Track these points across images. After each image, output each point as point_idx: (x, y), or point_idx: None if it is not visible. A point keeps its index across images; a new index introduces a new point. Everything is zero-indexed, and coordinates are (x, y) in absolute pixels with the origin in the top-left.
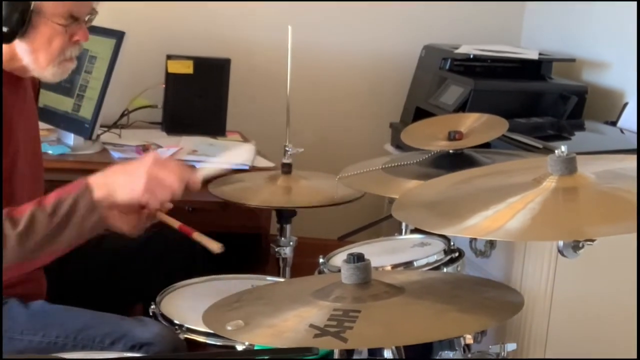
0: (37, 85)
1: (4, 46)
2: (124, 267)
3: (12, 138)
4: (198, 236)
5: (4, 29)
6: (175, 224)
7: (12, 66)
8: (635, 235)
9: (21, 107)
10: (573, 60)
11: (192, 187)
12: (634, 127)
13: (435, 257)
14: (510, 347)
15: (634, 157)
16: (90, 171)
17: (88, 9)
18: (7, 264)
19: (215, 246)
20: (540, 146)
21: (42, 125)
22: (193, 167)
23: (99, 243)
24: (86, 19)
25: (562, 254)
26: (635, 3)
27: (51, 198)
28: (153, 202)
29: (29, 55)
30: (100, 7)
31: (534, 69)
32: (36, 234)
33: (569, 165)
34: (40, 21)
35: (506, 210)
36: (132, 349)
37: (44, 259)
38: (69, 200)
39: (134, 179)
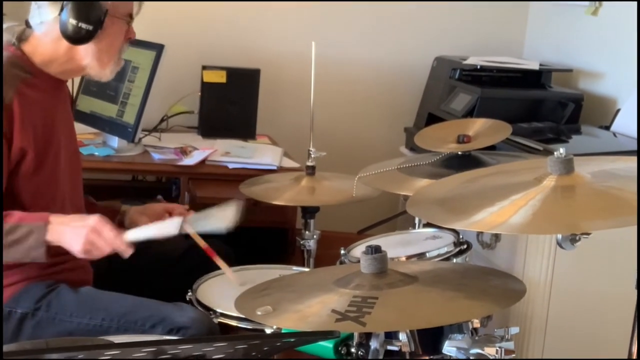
0: (70, 92)
1: (64, 48)
2: (165, 270)
3: (54, 137)
4: (220, 262)
5: (88, 28)
6: (202, 243)
7: (63, 68)
8: (626, 228)
9: (62, 109)
10: (570, 70)
11: (122, 255)
12: (626, 131)
13: (445, 249)
14: (514, 330)
15: (627, 158)
16: (133, 171)
17: (139, 8)
18: None
19: (234, 279)
20: (541, 148)
21: (89, 129)
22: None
23: (148, 247)
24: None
25: (561, 246)
26: (622, 16)
27: (14, 218)
28: (89, 257)
29: (94, 55)
30: (142, 22)
31: (535, 78)
32: None
33: (567, 166)
34: (109, 22)
35: (510, 207)
36: (170, 332)
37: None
38: (25, 229)
39: (77, 237)
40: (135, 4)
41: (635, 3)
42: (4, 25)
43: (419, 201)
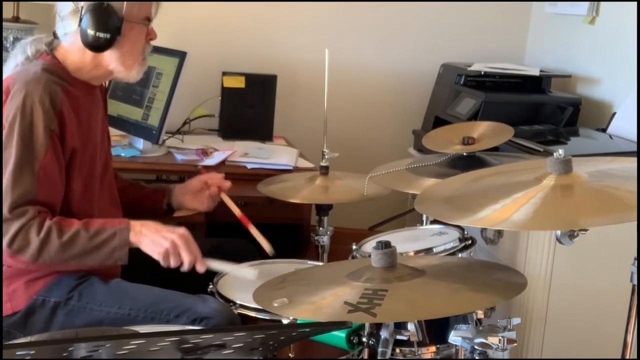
0: (105, 94)
1: (91, 56)
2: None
3: (90, 139)
4: (254, 230)
5: (106, 37)
6: (236, 212)
7: (93, 74)
8: (620, 225)
9: (95, 112)
10: (569, 76)
11: (197, 269)
12: (622, 134)
13: (451, 244)
14: (515, 321)
15: (622, 158)
16: (157, 171)
17: (156, 10)
18: (44, 262)
19: (267, 247)
20: (541, 149)
21: (116, 131)
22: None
23: None
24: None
25: (560, 242)
26: (618, 26)
27: (96, 224)
28: (163, 263)
29: (118, 59)
30: (166, 30)
31: (536, 83)
32: (74, 248)
33: (565, 166)
34: (127, 28)
35: (512, 205)
36: (193, 322)
37: (71, 267)
38: (108, 232)
39: (160, 241)
40: (153, 5)
41: (631, 12)
42: (33, 37)
43: (427, 200)
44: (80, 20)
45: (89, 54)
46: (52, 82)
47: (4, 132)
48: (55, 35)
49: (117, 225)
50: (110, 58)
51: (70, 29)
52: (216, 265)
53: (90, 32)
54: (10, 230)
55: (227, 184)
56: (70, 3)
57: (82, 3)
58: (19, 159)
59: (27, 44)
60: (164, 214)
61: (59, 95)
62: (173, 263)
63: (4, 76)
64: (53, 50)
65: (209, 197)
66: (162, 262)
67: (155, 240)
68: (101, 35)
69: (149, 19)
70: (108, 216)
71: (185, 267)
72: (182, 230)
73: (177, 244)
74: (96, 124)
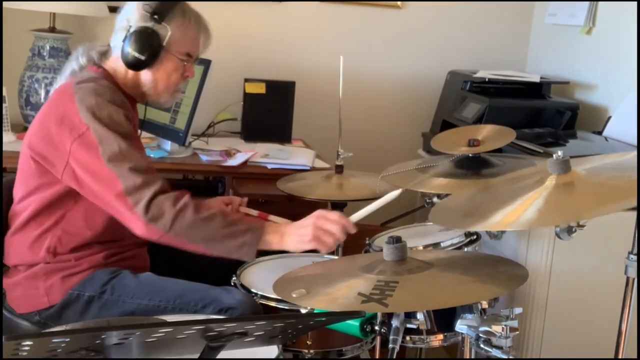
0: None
1: (132, 74)
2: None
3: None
4: (273, 218)
5: (141, 58)
6: (254, 212)
7: (134, 92)
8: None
9: (136, 123)
10: (567, 82)
11: (349, 231)
12: (617, 136)
13: (458, 239)
14: (517, 310)
15: (614, 155)
16: (184, 171)
17: (200, 51)
18: (176, 235)
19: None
20: (541, 151)
21: (145, 134)
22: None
23: None
24: (195, 60)
25: (559, 237)
26: (613, 36)
27: (234, 215)
28: (322, 248)
29: (151, 83)
30: None
31: (537, 89)
32: (206, 229)
33: (564, 166)
34: (166, 57)
35: (520, 207)
36: (219, 312)
37: (194, 248)
38: (244, 226)
39: (303, 231)
40: (198, 44)
41: (625, 23)
42: (86, 45)
43: (441, 211)
44: (126, 37)
45: (130, 70)
46: (111, 90)
47: (91, 131)
48: (109, 45)
49: (253, 223)
50: (144, 79)
51: (118, 42)
52: (362, 213)
53: (129, 49)
54: (143, 198)
55: (244, 200)
56: (124, 19)
57: (132, 22)
58: (114, 142)
59: (81, 52)
60: None
61: (120, 96)
62: (330, 241)
63: (60, 83)
64: (104, 59)
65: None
66: (322, 249)
67: (299, 233)
68: (137, 55)
69: (189, 55)
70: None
71: (340, 237)
72: (316, 212)
73: (319, 225)
74: (136, 131)
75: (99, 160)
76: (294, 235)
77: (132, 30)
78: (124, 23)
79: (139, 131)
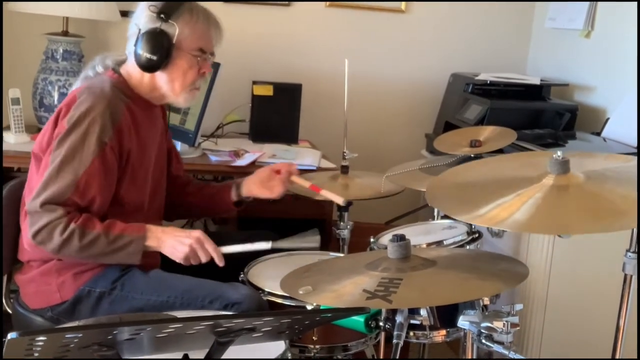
0: (165, 114)
1: (148, 78)
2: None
3: (146, 153)
4: (325, 192)
5: (153, 58)
6: (306, 184)
7: (151, 95)
8: None
9: (154, 130)
10: (566, 85)
11: (217, 263)
12: (614, 137)
13: (460, 237)
14: (518, 307)
15: (618, 156)
16: (193, 170)
17: (212, 46)
18: (64, 256)
19: (340, 200)
20: (542, 151)
21: None
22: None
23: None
24: (210, 55)
25: (559, 235)
26: (611, 39)
27: (117, 229)
28: (184, 263)
29: (167, 83)
30: None
31: (537, 91)
32: (92, 250)
33: (563, 166)
34: (178, 55)
35: (513, 202)
36: (226, 306)
37: (90, 262)
38: (126, 239)
39: (179, 247)
40: (210, 39)
41: (623, 27)
42: (105, 55)
43: (438, 190)
44: (137, 40)
45: (145, 74)
46: (117, 98)
47: (63, 132)
48: (126, 55)
49: (136, 233)
50: (161, 81)
51: (131, 48)
52: (231, 249)
53: (141, 52)
54: (37, 223)
55: (294, 167)
56: (134, 25)
57: (141, 25)
58: (65, 160)
59: (98, 61)
60: (235, 205)
61: (121, 111)
62: (193, 263)
63: (75, 87)
64: (121, 65)
65: (280, 183)
66: (183, 263)
67: (174, 245)
68: (149, 56)
69: (202, 51)
70: (145, 212)
71: (203, 262)
72: (197, 233)
73: (194, 248)
74: (152, 138)
75: (47, 159)
76: (170, 245)
77: (141, 32)
78: (134, 28)
79: (164, 138)
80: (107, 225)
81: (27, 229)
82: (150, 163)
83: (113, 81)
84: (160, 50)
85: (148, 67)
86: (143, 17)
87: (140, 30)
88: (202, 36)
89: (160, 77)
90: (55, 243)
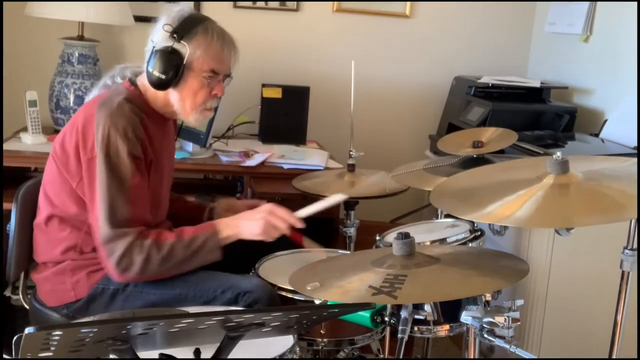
0: (177, 128)
1: (162, 93)
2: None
3: (159, 165)
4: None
5: (162, 77)
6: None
7: (164, 110)
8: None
9: (165, 141)
10: (566, 87)
11: (296, 226)
12: (612, 138)
13: (463, 235)
14: (519, 302)
15: (614, 158)
16: (205, 170)
17: (226, 68)
18: (149, 276)
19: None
20: (542, 152)
21: None
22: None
23: None
24: (224, 77)
25: (558, 233)
26: (609, 43)
27: (189, 233)
28: (267, 239)
29: (178, 102)
30: None
31: (537, 94)
32: (173, 259)
33: (563, 167)
34: (189, 75)
35: (515, 201)
36: (237, 296)
37: (173, 274)
38: (201, 238)
39: (254, 223)
40: (222, 60)
41: (620, 31)
42: (124, 65)
43: (441, 193)
44: (150, 58)
45: (159, 91)
46: (133, 112)
47: (96, 159)
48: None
49: (208, 230)
50: (173, 98)
51: (145, 64)
52: (308, 210)
53: (152, 69)
54: (115, 253)
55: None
56: (150, 40)
57: (155, 42)
58: (110, 184)
59: (118, 71)
60: None
61: (139, 125)
62: (275, 234)
63: (93, 94)
64: (138, 77)
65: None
66: (265, 239)
67: (250, 225)
68: (158, 74)
69: (215, 72)
70: (162, 225)
71: (285, 230)
72: (267, 205)
73: (268, 219)
74: (164, 151)
75: (94, 192)
76: (246, 227)
77: (154, 50)
78: (150, 44)
79: (173, 150)
80: (178, 232)
81: (108, 264)
82: (164, 175)
83: (129, 94)
84: (170, 70)
85: (157, 85)
86: (158, 35)
87: (154, 47)
88: (215, 58)
89: (172, 95)
90: (138, 264)
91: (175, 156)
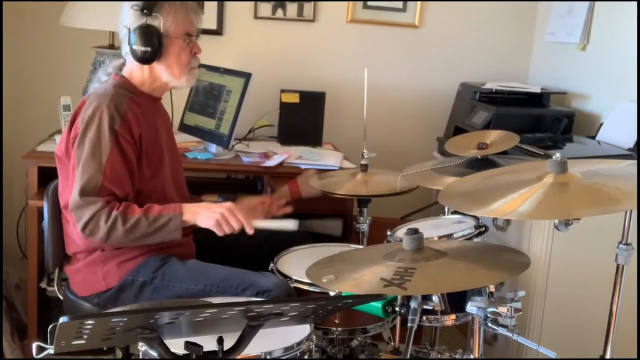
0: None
1: (147, 71)
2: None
3: (157, 139)
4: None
5: (148, 50)
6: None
7: (153, 87)
8: (606, 215)
9: (161, 120)
10: (564, 93)
11: (247, 231)
12: (608, 140)
13: (468, 231)
14: (521, 293)
15: (609, 160)
16: (227, 170)
17: (195, 28)
18: (111, 244)
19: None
20: (542, 153)
21: (193, 138)
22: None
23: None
24: (196, 37)
25: (557, 229)
26: (605, 52)
27: (155, 211)
28: (218, 232)
29: (165, 71)
30: (235, 56)
31: (537, 99)
32: (136, 233)
33: (562, 167)
34: (168, 42)
35: (518, 198)
36: (257, 294)
37: (137, 244)
38: (165, 217)
39: (211, 214)
40: (191, 22)
41: (616, 40)
42: (105, 64)
43: (449, 194)
44: (129, 38)
45: (145, 68)
46: (119, 94)
47: (79, 133)
48: (121, 56)
49: (172, 212)
50: (160, 70)
51: (126, 48)
52: (263, 224)
53: (136, 47)
54: (83, 218)
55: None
56: (122, 27)
57: (129, 24)
58: (88, 155)
59: (101, 72)
60: None
61: (125, 102)
62: (227, 230)
63: (90, 90)
64: (122, 69)
65: (261, 214)
66: (217, 232)
67: (207, 215)
68: (144, 48)
69: (189, 34)
70: (172, 201)
71: (236, 230)
72: (229, 204)
73: (225, 215)
74: (161, 129)
75: (73, 164)
76: (204, 216)
77: (131, 31)
78: (124, 30)
79: (168, 128)
80: (146, 208)
81: (75, 225)
82: (163, 148)
83: (116, 82)
84: (152, 41)
85: (144, 59)
86: (129, 17)
87: (129, 29)
88: (184, 21)
89: (158, 67)
90: (102, 232)
91: (200, 157)
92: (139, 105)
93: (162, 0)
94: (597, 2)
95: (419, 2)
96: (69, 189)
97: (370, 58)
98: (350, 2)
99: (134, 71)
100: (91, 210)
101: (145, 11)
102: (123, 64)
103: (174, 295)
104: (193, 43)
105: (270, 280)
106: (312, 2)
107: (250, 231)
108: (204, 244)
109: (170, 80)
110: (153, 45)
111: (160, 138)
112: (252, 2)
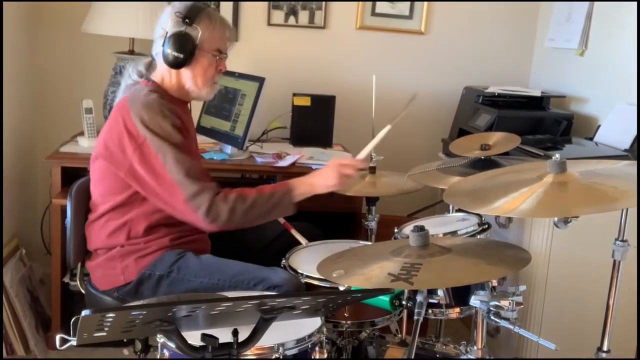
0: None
1: (175, 76)
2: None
3: (188, 137)
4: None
5: (180, 56)
6: (281, 220)
7: (179, 92)
8: (603, 214)
9: (188, 121)
10: (564, 96)
11: (362, 168)
12: (605, 141)
13: (472, 228)
14: (522, 288)
15: (606, 160)
16: (242, 170)
17: (227, 47)
18: (233, 224)
19: (304, 241)
20: (542, 154)
21: (209, 140)
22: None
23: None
24: (225, 55)
25: (557, 226)
26: (602, 57)
27: (268, 188)
28: (342, 188)
29: (191, 79)
30: (249, 61)
31: (538, 102)
32: (254, 212)
33: (561, 167)
34: (200, 54)
35: (519, 197)
36: (268, 289)
37: (255, 224)
38: (279, 194)
39: (328, 176)
40: (225, 41)
41: (612, 46)
42: (132, 62)
43: (453, 193)
44: (164, 42)
45: (172, 73)
46: (160, 98)
47: (147, 140)
48: (152, 56)
49: (284, 188)
50: (186, 77)
51: (158, 49)
52: (366, 150)
53: (169, 50)
54: (202, 207)
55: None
56: (160, 28)
57: (168, 28)
58: (171, 153)
59: (130, 70)
60: None
61: (169, 105)
62: (348, 182)
63: (119, 97)
64: (151, 70)
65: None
66: (340, 189)
67: (324, 181)
68: (176, 54)
69: (220, 51)
70: None
71: (356, 176)
72: (332, 160)
73: (340, 170)
74: (190, 128)
75: (160, 167)
76: (321, 182)
77: (168, 35)
78: (161, 32)
79: (194, 130)
80: (258, 189)
81: (193, 215)
82: (192, 145)
83: (150, 88)
84: (186, 50)
85: (175, 64)
86: (169, 22)
87: (167, 33)
88: (220, 38)
89: (185, 74)
90: (225, 215)
91: (216, 157)
92: (176, 107)
93: (204, 13)
94: (595, 10)
95: (425, 10)
96: (114, 186)
97: (379, 63)
98: (360, 9)
99: (164, 76)
100: (207, 197)
101: (186, 20)
102: (150, 64)
103: (189, 288)
104: (221, 60)
105: (280, 276)
106: (323, 10)
107: (365, 165)
108: (219, 239)
109: (193, 90)
110: (185, 53)
111: (189, 138)
112: (266, 10)
